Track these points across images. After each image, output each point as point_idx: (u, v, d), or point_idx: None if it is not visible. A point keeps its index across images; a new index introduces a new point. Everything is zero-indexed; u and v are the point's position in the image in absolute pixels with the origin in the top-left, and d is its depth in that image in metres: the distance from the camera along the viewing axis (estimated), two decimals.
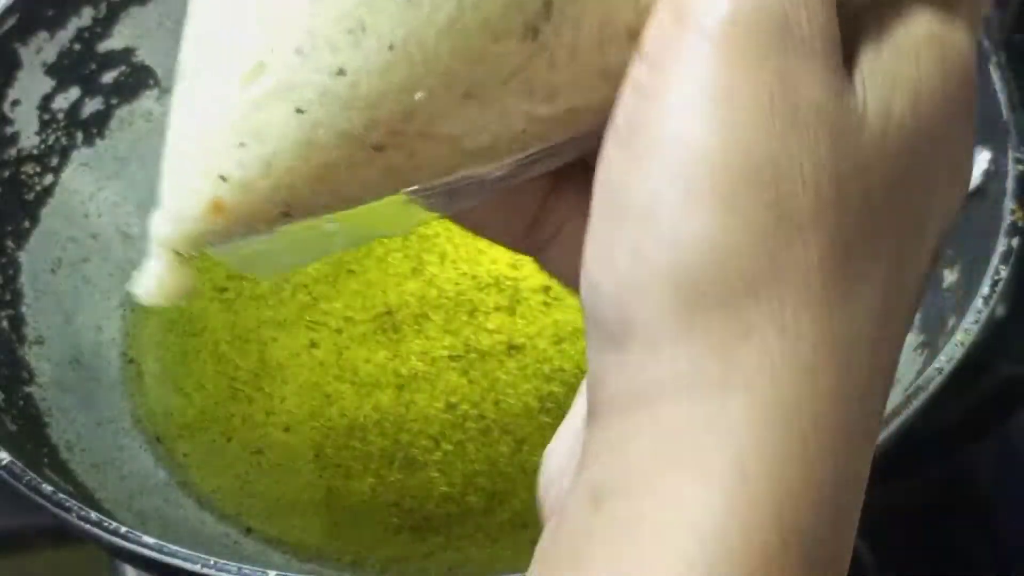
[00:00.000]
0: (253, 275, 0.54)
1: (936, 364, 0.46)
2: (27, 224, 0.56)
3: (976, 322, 0.46)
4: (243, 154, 0.29)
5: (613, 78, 0.28)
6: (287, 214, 0.29)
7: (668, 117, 0.27)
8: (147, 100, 0.60)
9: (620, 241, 0.27)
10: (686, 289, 0.26)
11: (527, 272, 0.59)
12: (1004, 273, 0.48)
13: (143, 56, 0.60)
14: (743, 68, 0.27)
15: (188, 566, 0.42)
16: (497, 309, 0.58)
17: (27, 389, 0.52)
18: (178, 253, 0.30)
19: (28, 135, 0.57)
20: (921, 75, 0.30)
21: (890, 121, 0.29)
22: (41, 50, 0.57)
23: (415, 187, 0.30)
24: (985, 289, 0.47)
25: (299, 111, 0.28)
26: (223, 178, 0.29)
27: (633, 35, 0.28)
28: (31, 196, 0.56)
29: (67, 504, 0.44)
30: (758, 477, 0.26)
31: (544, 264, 0.32)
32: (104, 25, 0.58)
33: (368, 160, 0.29)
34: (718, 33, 0.27)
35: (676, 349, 0.26)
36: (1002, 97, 0.51)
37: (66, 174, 0.58)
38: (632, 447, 0.27)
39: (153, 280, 0.31)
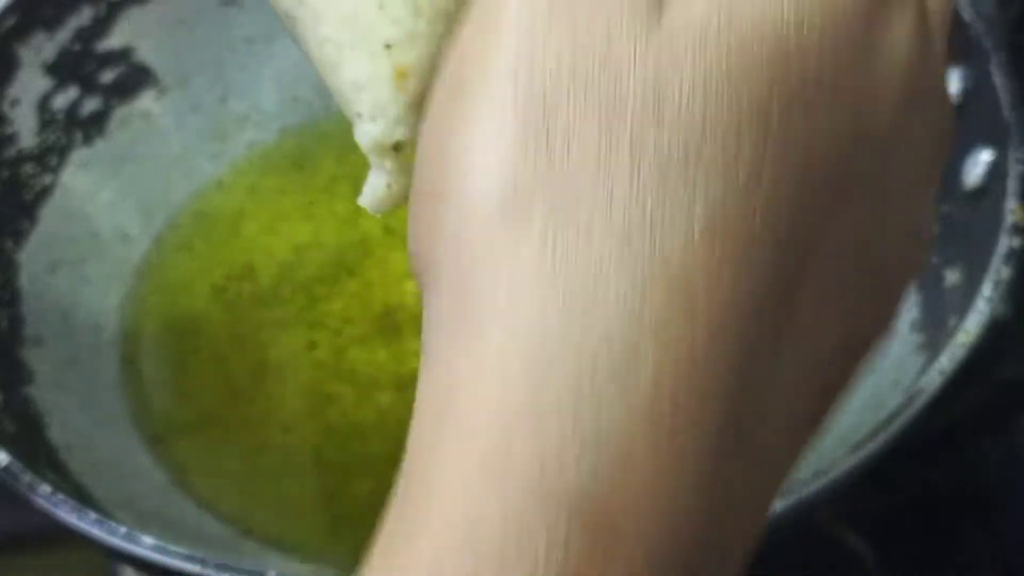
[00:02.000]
0: None
1: (937, 365, 0.46)
2: (26, 224, 0.56)
3: (978, 323, 0.46)
4: (389, 12, 0.30)
5: None
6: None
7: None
8: (146, 100, 0.60)
9: None
10: None
11: None
12: (1006, 274, 0.47)
13: (142, 56, 0.60)
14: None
15: (187, 567, 0.42)
16: None
17: (26, 389, 0.52)
18: (395, 150, 0.31)
19: (27, 135, 0.56)
20: None
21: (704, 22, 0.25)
22: (40, 49, 0.57)
23: None
24: (987, 290, 0.47)
25: None
26: (388, 45, 0.30)
27: None
28: (30, 196, 0.56)
29: (66, 505, 0.44)
30: None
31: None
32: (103, 25, 0.58)
33: None
34: None
35: None
36: (1003, 96, 0.51)
37: (65, 174, 0.58)
38: None
39: (381, 190, 0.31)
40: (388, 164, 0.31)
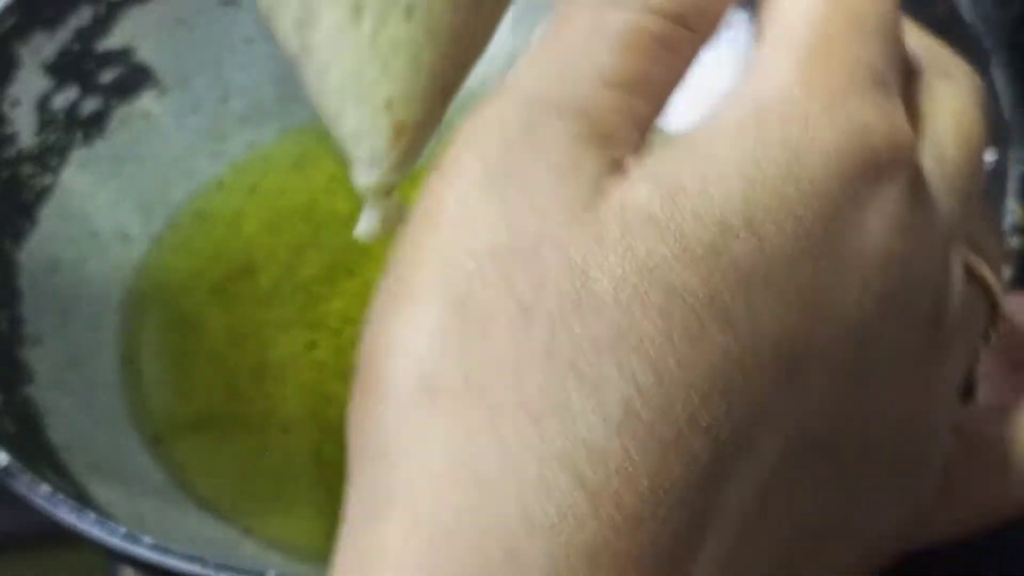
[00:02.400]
0: None
1: None
2: (26, 224, 0.56)
3: None
4: (391, 71, 0.32)
5: None
6: (446, 93, 0.33)
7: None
8: (146, 100, 0.60)
9: None
10: None
11: None
12: (1006, 274, 0.47)
13: (143, 56, 0.59)
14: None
15: (187, 567, 0.42)
16: None
17: (26, 389, 0.52)
18: (389, 193, 0.34)
19: (27, 135, 0.56)
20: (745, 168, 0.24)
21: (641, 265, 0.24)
22: (40, 50, 0.57)
23: None
24: None
25: (409, 12, 0.32)
26: (388, 102, 0.32)
27: None
28: (30, 196, 0.56)
29: (66, 505, 0.44)
30: None
31: None
32: (103, 25, 0.58)
33: (481, 11, 0.33)
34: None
35: None
36: (1003, 96, 0.51)
37: (65, 174, 0.58)
38: None
39: (376, 223, 0.35)
40: (382, 203, 0.34)
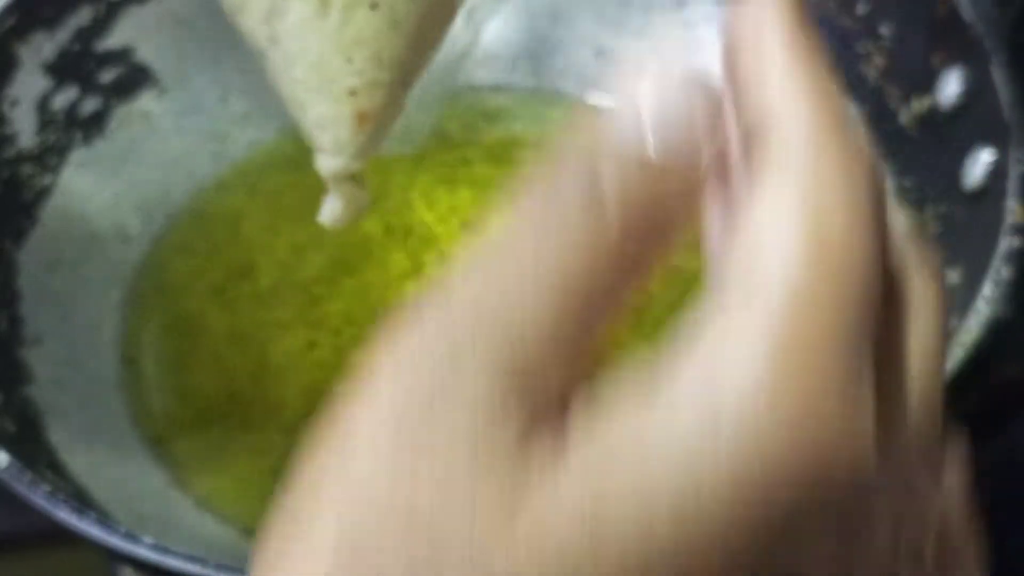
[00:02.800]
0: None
1: None
2: (26, 224, 0.56)
3: (978, 324, 0.46)
4: (356, 62, 0.34)
5: None
6: (407, 82, 0.35)
7: None
8: (146, 100, 0.60)
9: None
10: None
11: None
12: (1006, 274, 0.47)
13: (142, 56, 0.60)
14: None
15: (187, 567, 0.42)
16: None
17: (26, 389, 0.52)
18: (351, 178, 0.35)
19: (27, 135, 0.56)
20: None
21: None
22: (40, 50, 0.57)
23: None
24: (987, 290, 0.47)
25: (374, 5, 0.33)
26: (352, 92, 0.34)
27: None
28: (30, 196, 0.56)
29: (66, 505, 0.44)
30: None
31: None
32: (103, 24, 0.58)
33: (440, 4, 0.34)
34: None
35: None
36: (1003, 96, 0.51)
37: (65, 174, 0.58)
38: None
39: (339, 210, 0.37)
40: (345, 189, 0.36)
